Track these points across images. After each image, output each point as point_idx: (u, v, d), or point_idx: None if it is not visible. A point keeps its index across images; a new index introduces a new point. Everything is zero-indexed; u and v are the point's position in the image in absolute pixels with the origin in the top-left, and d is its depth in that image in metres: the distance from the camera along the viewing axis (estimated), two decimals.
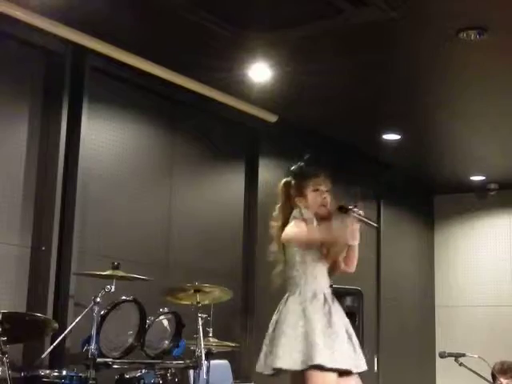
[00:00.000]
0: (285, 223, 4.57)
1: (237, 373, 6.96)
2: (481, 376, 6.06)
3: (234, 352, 6.62)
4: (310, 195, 4.54)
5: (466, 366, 6.05)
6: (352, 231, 4.47)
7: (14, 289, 5.67)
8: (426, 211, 11.20)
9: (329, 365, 4.20)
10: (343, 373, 4.31)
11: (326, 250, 4.50)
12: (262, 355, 4.41)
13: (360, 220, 4.50)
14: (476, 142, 8.80)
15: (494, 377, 6.27)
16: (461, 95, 7.27)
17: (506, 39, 5.91)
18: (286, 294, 4.58)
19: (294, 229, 4.47)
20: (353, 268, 4.65)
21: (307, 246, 4.46)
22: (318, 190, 4.54)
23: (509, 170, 9.87)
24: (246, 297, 7.66)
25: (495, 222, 10.87)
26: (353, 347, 4.38)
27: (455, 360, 6.11)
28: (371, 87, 7.14)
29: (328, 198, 4.56)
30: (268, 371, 4.34)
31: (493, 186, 10.65)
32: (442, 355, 6.29)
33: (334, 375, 4.25)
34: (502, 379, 6.26)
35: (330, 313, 4.37)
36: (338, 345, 4.29)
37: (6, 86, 5.74)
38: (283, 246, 4.56)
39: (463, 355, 6.16)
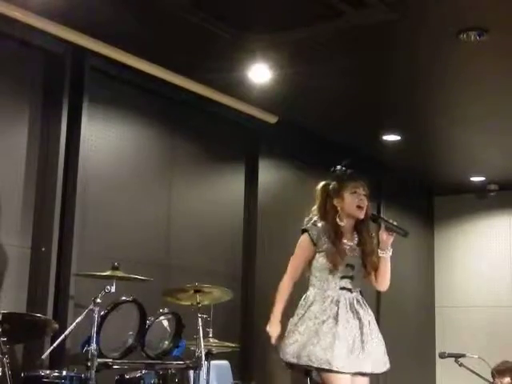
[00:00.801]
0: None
1: (237, 373, 6.96)
2: (481, 376, 6.07)
3: (234, 352, 6.61)
4: (348, 197, 4.67)
5: (466, 367, 6.06)
6: (383, 243, 4.67)
7: (14, 289, 5.67)
8: (426, 212, 11.20)
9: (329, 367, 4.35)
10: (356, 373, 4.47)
11: (330, 258, 4.63)
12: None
13: (390, 229, 4.68)
14: (476, 143, 8.80)
15: (493, 376, 6.30)
16: (461, 96, 7.27)
17: (506, 40, 5.91)
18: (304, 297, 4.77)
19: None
20: (385, 286, 4.83)
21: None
22: (355, 192, 4.68)
23: (509, 171, 9.87)
24: (246, 297, 7.66)
25: (495, 223, 10.87)
26: (353, 349, 4.48)
27: (455, 360, 6.12)
28: (371, 88, 7.14)
29: (365, 201, 4.69)
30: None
31: (493, 186, 10.65)
32: (442, 356, 6.30)
33: (343, 376, 4.42)
34: (497, 379, 6.29)
35: (336, 316, 4.45)
36: (339, 348, 4.42)
37: (6, 87, 5.74)
38: None
39: (463, 356, 6.17)
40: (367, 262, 4.71)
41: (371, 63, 6.48)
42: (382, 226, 4.69)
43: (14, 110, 5.81)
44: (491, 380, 6.24)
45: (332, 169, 4.85)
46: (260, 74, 6.68)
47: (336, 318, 4.50)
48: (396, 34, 5.94)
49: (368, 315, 4.68)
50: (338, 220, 4.67)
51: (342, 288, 4.62)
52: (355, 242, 4.73)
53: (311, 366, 4.47)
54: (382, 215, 4.81)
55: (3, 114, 5.71)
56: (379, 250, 4.72)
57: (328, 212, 4.69)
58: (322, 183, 4.83)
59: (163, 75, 6.65)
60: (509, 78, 6.72)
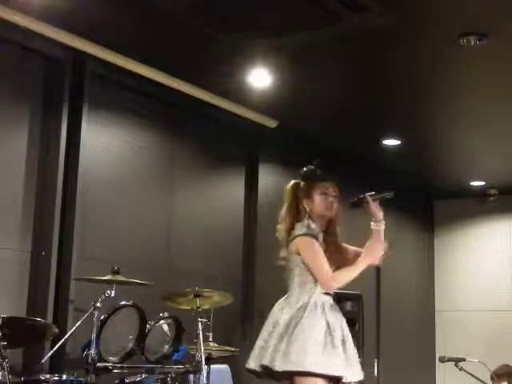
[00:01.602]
0: (291, 226, 4.56)
1: (237, 377, 6.96)
2: (481, 380, 6.06)
3: (234, 357, 6.61)
4: (317, 198, 4.52)
5: (465, 371, 6.06)
6: (373, 215, 4.67)
7: (14, 293, 5.68)
8: (426, 216, 11.20)
9: (317, 371, 4.19)
10: (336, 381, 4.33)
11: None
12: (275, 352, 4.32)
13: (374, 199, 4.65)
14: (476, 148, 8.81)
15: (492, 379, 6.31)
16: (461, 100, 7.28)
17: (506, 45, 5.91)
18: (282, 299, 4.56)
19: (323, 267, 4.43)
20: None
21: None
22: (325, 193, 4.53)
23: (509, 176, 9.89)
24: (246, 301, 7.66)
25: (495, 227, 10.88)
26: (346, 354, 4.34)
27: (455, 365, 6.11)
28: (371, 93, 7.15)
29: (335, 203, 4.56)
30: (257, 367, 4.32)
31: (492, 191, 10.67)
32: (442, 360, 6.29)
33: (322, 382, 4.24)
34: (495, 382, 6.30)
35: (327, 321, 4.38)
36: (330, 352, 4.27)
37: (6, 92, 5.75)
38: (286, 254, 4.58)
39: (463, 360, 6.16)
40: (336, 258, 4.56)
41: (371, 68, 6.49)
42: (365, 202, 4.61)
43: (14, 115, 5.81)
44: (491, 382, 6.24)
45: (301, 169, 4.66)
46: (260, 78, 6.69)
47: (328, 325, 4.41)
48: (396, 39, 5.94)
49: (343, 319, 4.59)
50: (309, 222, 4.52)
51: (326, 293, 4.53)
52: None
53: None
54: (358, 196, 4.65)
55: (3, 118, 5.72)
56: (372, 223, 4.62)
57: (300, 213, 4.53)
58: (291, 183, 4.64)
59: (163, 80, 6.66)
60: (508, 83, 6.73)
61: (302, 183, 4.60)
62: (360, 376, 4.41)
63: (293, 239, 4.52)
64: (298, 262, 4.50)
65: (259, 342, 4.39)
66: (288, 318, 4.37)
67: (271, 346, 4.30)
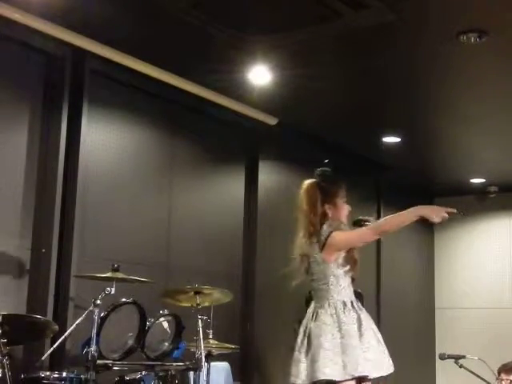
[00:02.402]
0: (313, 229, 4.47)
1: (237, 374, 6.97)
2: (481, 378, 6.06)
3: (234, 354, 6.62)
4: (342, 205, 4.54)
5: (466, 368, 6.07)
6: None
7: (14, 291, 5.68)
8: None
9: (370, 375, 4.30)
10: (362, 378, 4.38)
11: (353, 260, 4.52)
12: (301, 367, 4.39)
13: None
14: (476, 145, 8.81)
15: (499, 372, 6.35)
16: (461, 98, 7.28)
17: (505, 42, 5.91)
18: (312, 307, 4.55)
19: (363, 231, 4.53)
20: None
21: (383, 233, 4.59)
22: (346, 201, 4.57)
23: (509, 173, 9.88)
24: (246, 299, 7.66)
25: (495, 225, 10.89)
26: (383, 351, 4.46)
27: (455, 362, 6.12)
28: (371, 90, 7.14)
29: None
30: (312, 380, 4.33)
31: (493, 188, 10.67)
32: (442, 357, 6.30)
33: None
34: (503, 376, 6.32)
35: (360, 320, 4.40)
36: (373, 354, 4.36)
37: (6, 89, 5.74)
38: (307, 260, 4.53)
39: (463, 357, 6.17)
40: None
41: (371, 65, 6.48)
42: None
43: (14, 112, 5.81)
44: (496, 376, 6.26)
45: (320, 169, 4.63)
46: (260, 75, 6.68)
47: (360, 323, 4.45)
48: (396, 36, 5.94)
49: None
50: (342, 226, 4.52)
51: (354, 292, 4.58)
52: None
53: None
54: (364, 218, 4.67)
55: (3, 115, 5.72)
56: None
57: (317, 216, 4.48)
58: (311, 181, 4.60)
59: (163, 77, 6.66)
60: (508, 80, 6.72)
61: (325, 185, 4.55)
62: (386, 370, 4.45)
63: (325, 242, 4.44)
64: (332, 270, 4.48)
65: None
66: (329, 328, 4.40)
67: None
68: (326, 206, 4.50)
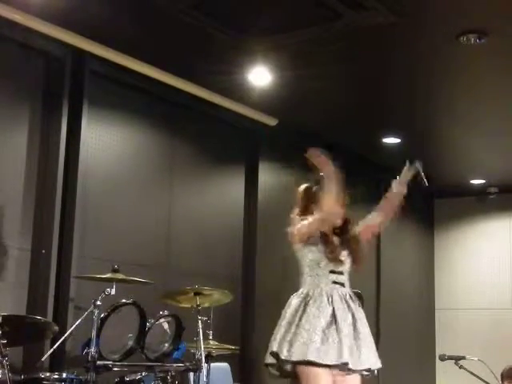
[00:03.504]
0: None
1: (236, 375, 6.96)
2: (481, 379, 6.06)
3: (234, 355, 6.61)
4: None
5: (466, 369, 6.06)
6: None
7: (14, 291, 5.68)
8: (426, 214, 11.20)
9: (318, 360, 4.23)
10: (341, 370, 4.34)
11: (326, 244, 4.53)
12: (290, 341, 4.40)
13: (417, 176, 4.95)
14: (476, 146, 8.81)
15: (502, 379, 6.34)
16: (461, 99, 7.28)
17: (505, 43, 5.92)
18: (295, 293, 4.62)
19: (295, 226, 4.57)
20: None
21: (309, 233, 4.52)
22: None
23: (509, 174, 9.89)
24: (246, 299, 7.67)
25: (495, 226, 10.89)
26: (351, 344, 4.37)
27: (455, 363, 6.11)
28: (371, 91, 7.15)
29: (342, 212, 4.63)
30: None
31: (493, 189, 10.67)
32: (442, 358, 6.29)
33: (323, 371, 4.27)
34: (506, 382, 6.31)
35: (333, 312, 4.38)
36: (336, 342, 4.30)
37: (6, 90, 5.75)
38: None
39: (463, 358, 6.16)
40: (352, 251, 4.64)
41: (371, 66, 6.49)
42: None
43: (14, 113, 5.81)
44: (496, 381, 6.24)
45: (316, 174, 4.75)
46: (260, 76, 6.69)
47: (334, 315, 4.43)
48: (396, 37, 5.95)
49: (359, 310, 4.61)
50: None
51: (334, 282, 4.55)
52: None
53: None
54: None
55: (3, 116, 5.72)
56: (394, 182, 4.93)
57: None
58: (304, 186, 4.81)
59: (163, 78, 6.66)
60: (508, 81, 6.73)
61: (315, 188, 4.72)
62: (368, 365, 4.45)
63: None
64: (303, 259, 4.57)
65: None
66: (294, 307, 4.45)
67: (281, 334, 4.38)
68: (313, 206, 4.62)
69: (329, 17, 5.54)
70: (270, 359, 4.42)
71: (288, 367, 4.38)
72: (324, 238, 4.54)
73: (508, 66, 6.39)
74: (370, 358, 4.52)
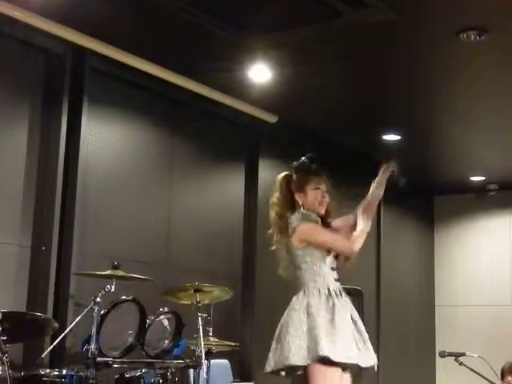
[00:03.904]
0: (283, 215, 4.52)
1: (236, 372, 6.97)
2: (481, 375, 6.06)
3: (233, 351, 6.62)
4: (311, 193, 4.53)
5: (466, 366, 6.06)
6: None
7: (14, 288, 5.69)
8: (426, 211, 11.20)
9: (333, 357, 4.20)
10: (345, 368, 4.34)
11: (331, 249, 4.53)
12: (270, 354, 4.45)
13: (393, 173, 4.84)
14: (476, 143, 8.81)
15: (502, 375, 6.34)
16: (461, 96, 7.28)
17: (505, 40, 5.92)
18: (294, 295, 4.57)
19: (334, 236, 4.50)
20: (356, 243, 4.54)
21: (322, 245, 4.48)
22: (318, 188, 4.54)
23: (509, 171, 9.88)
24: (246, 296, 7.67)
25: (495, 223, 10.89)
26: (357, 342, 4.35)
27: (455, 359, 6.11)
28: (371, 88, 7.15)
29: (327, 198, 4.56)
30: (278, 367, 4.36)
31: (493, 186, 10.67)
32: (442, 355, 6.29)
33: (336, 371, 4.27)
34: (509, 378, 6.32)
35: (333, 309, 4.37)
36: (341, 340, 4.27)
37: (6, 87, 5.75)
38: (286, 246, 4.54)
39: (463, 354, 6.16)
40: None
41: (371, 63, 6.49)
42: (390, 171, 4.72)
43: (14, 110, 5.82)
44: (497, 377, 6.25)
45: (293, 162, 4.68)
46: (260, 73, 6.69)
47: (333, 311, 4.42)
48: (396, 34, 5.95)
49: (352, 306, 4.60)
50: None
51: (336, 280, 4.54)
52: None
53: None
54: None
55: (3, 113, 5.72)
56: (373, 184, 4.71)
57: (295, 206, 4.52)
58: (282, 174, 4.65)
59: (163, 75, 6.66)
60: (508, 78, 6.73)
61: (294, 176, 4.60)
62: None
63: (292, 233, 4.48)
64: (304, 257, 4.48)
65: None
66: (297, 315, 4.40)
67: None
68: (297, 195, 4.53)
69: (329, 14, 5.54)
70: (278, 367, 4.39)
71: (299, 371, 4.38)
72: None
73: (508, 62, 6.38)
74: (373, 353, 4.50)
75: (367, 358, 4.39)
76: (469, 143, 8.83)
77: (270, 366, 4.42)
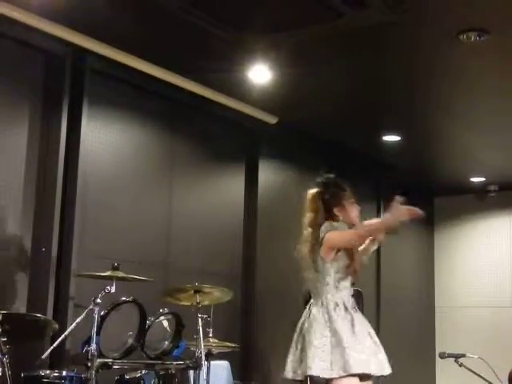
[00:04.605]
0: (317, 230, 4.63)
1: (237, 373, 6.97)
2: (481, 377, 6.05)
3: (234, 352, 6.62)
4: (349, 206, 4.69)
5: (466, 367, 6.05)
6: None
7: (14, 289, 5.68)
8: (426, 212, 11.17)
9: (360, 370, 4.38)
10: (364, 377, 4.46)
11: (351, 260, 4.60)
12: (290, 362, 4.59)
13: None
14: (476, 144, 8.81)
15: (510, 380, 6.35)
16: (461, 97, 7.27)
17: (506, 41, 5.91)
18: (309, 304, 4.71)
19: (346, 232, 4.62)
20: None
21: (361, 239, 4.63)
22: (354, 202, 4.72)
23: (509, 172, 9.89)
24: (246, 297, 7.67)
25: (495, 224, 10.89)
26: (376, 352, 4.56)
27: (455, 361, 6.10)
28: (371, 89, 7.15)
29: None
30: (299, 377, 4.52)
31: (493, 187, 10.67)
32: (442, 356, 6.28)
33: (357, 380, 4.42)
34: None
35: (352, 321, 4.48)
36: (364, 351, 4.45)
37: (6, 88, 5.74)
38: (312, 257, 4.65)
39: (463, 356, 6.15)
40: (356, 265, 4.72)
41: (371, 64, 6.49)
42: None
43: (14, 111, 5.81)
44: (499, 379, 6.24)
45: (322, 177, 4.79)
46: (260, 74, 6.68)
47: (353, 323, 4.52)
48: (396, 35, 5.94)
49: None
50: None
51: (352, 295, 4.67)
52: None
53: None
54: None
55: (3, 114, 5.72)
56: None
57: (318, 221, 4.63)
58: (313, 191, 4.77)
59: (163, 76, 6.66)
60: (509, 79, 6.72)
61: (331, 190, 4.71)
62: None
63: (321, 244, 4.60)
64: (328, 270, 4.61)
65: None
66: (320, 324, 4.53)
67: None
68: (335, 210, 4.66)
69: (329, 15, 5.53)
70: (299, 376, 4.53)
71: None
72: (350, 255, 4.62)
73: (509, 63, 6.38)
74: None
75: (385, 366, 4.59)
76: (469, 144, 8.83)
77: (288, 374, 4.57)
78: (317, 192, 4.75)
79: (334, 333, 4.46)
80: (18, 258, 5.73)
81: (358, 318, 4.60)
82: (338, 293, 4.59)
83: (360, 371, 4.39)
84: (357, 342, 4.44)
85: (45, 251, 5.78)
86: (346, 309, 4.56)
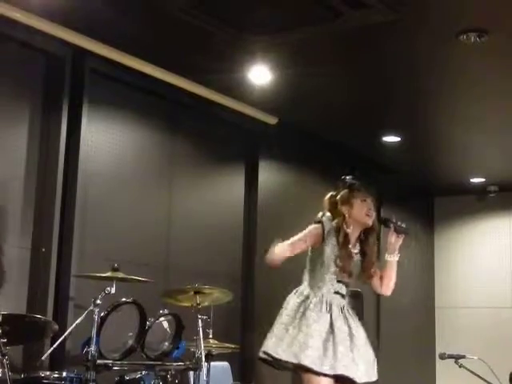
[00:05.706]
0: None
1: (237, 374, 6.96)
2: (481, 378, 6.05)
3: (234, 354, 6.61)
4: (357, 204, 4.68)
5: (466, 368, 6.05)
6: (392, 245, 4.82)
7: (14, 290, 5.68)
8: (426, 213, 11.20)
9: (315, 368, 4.33)
10: (344, 381, 4.38)
11: (342, 263, 4.58)
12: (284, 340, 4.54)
13: (400, 231, 4.86)
14: (476, 144, 8.81)
15: (511, 380, 6.35)
16: (461, 97, 7.27)
17: (506, 42, 5.91)
18: (295, 290, 4.72)
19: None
20: (389, 290, 4.86)
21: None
22: (365, 200, 4.70)
23: (509, 172, 9.88)
24: (246, 298, 7.67)
25: (495, 224, 10.88)
26: (352, 356, 4.45)
27: (455, 362, 6.10)
28: (371, 89, 7.14)
29: (373, 212, 4.72)
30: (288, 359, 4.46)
31: (493, 188, 10.67)
32: (442, 357, 6.28)
33: (326, 380, 4.36)
34: None
35: (330, 321, 4.44)
36: (332, 351, 4.39)
37: (6, 88, 5.75)
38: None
39: (463, 357, 6.15)
40: (367, 270, 4.72)
41: (371, 64, 6.49)
42: (392, 228, 4.74)
43: (14, 111, 5.81)
44: (499, 381, 6.25)
45: (344, 177, 4.84)
46: (260, 75, 6.68)
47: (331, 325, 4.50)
48: (396, 35, 5.94)
49: (356, 323, 4.68)
50: (344, 226, 4.64)
51: (336, 292, 4.62)
52: (357, 249, 4.73)
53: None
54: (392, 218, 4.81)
55: (3, 114, 5.72)
56: (386, 254, 4.82)
57: (335, 218, 4.67)
58: (328, 194, 4.83)
59: (163, 76, 6.66)
60: (508, 79, 6.72)
61: (342, 191, 4.76)
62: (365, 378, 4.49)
63: None
64: (308, 260, 4.71)
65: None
66: (292, 308, 4.56)
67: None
68: (343, 208, 4.68)
69: (329, 15, 5.53)
70: (263, 355, 4.59)
71: (289, 365, 4.45)
72: (343, 248, 4.59)
73: (508, 64, 6.38)
74: (368, 371, 4.55)
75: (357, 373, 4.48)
76: (469, 144, 8.83)
77: (278, 354, 4.51)
78: (329, 195, 4.82)
79: (307, 326, 4.46)
80: (18, 258, 5.73)
81: (340, 318, 4.56)
82: (320, 288, 4.56)
83: (319, 370, 4.35)
84: (328, 342, 4.41)
85: (45, 251, 5.78)
86: (328, 308, 4.52)
